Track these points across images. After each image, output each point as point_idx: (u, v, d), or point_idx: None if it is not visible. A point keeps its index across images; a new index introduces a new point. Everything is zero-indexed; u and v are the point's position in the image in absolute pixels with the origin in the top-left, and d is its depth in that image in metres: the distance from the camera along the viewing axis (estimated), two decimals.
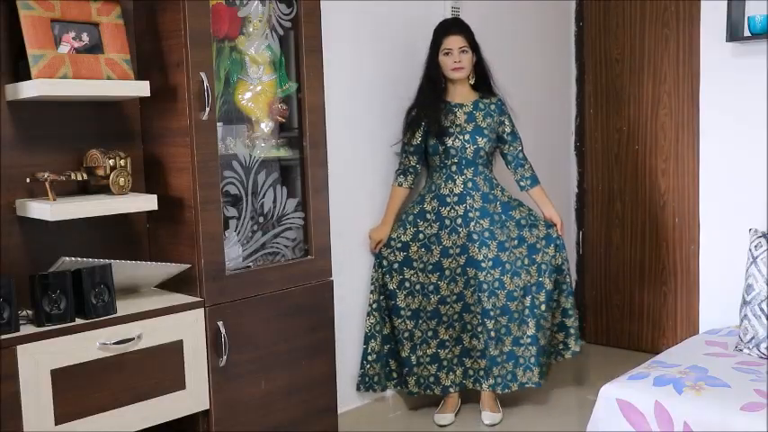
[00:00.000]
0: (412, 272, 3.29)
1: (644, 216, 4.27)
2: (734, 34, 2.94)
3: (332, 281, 2.64)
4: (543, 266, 3.33)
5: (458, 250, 3.29)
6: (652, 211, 4.23)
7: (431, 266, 3.30)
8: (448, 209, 3.29)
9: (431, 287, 3.30)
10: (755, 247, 2.73)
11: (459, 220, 3.29)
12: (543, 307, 3.30)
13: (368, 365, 3.28)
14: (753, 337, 2.65)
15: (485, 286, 3.27)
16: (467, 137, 3.27)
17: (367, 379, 3.29)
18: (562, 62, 4.47)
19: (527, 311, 3.29)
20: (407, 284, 3.29)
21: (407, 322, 3.28)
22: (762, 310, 2.65)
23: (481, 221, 3.28)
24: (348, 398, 3.31)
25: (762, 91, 2.95)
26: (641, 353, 4.19)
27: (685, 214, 4.10)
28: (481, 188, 3.30)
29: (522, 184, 3.43)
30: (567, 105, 4.52)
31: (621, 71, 4.30)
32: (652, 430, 2.34)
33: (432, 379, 3.33)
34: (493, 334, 3.27)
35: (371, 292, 3.32)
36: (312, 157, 2.57)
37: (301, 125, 2.58)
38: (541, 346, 3.31)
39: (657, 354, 2.90)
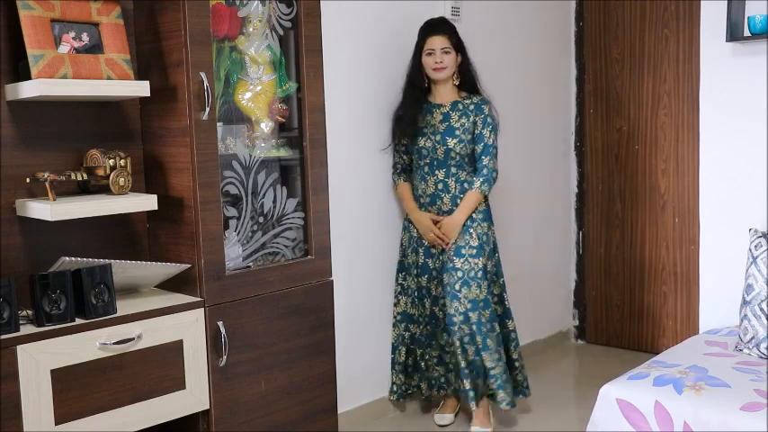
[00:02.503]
0: (410, 278, 3.35)
1: (644, 216, 4.27)
2: (734, 34, 2.95)
3: (332, 281, 2.64)
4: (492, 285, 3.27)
5: (440, 249, 3.27)
6: (652, 211, 4.23)
7: (418, 270, 3.32)
8: (423, 210, 3.28)
9: (423, 291, 3.32)
10: (755, 247, 2.73)
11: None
12: (489, 326, 3.16)
13: (395, 375, 3.39)
14: (753, 337, 2.65)
15: (448, 288, 3.19)
16: (438, 137, 3.21)
17: (395, 387, 3.39)
18: (562, 62, 4.47)
19: (474, 327, 3.13)
20: (408, 291, 3.36)
21: (419, 327, 3.37)
22: (762, 310, 2.65)
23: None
24: (348, 398, 3.32)
25: (762, 91, 2.95)
26: (641, 353, 4.19)
27: (685, 214, 4.10)
28: (451, 191, 3.22)
29: (466, 185, 3.22)
30: (567, 105, 4.52)
31: (621, 71, 4.30)
32: (652, 430, 2.34)
33: (443, 380, 3.37)
34: (457, 342, 3.17)
35: (395, 305, 3.40)
36: (312, 157, 2.57)
37: (301, 125, 2.58)
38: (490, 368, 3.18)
39: (657, 354, 2.91)
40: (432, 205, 3.25)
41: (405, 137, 3.28)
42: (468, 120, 3.23)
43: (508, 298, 3.37)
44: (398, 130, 3.29)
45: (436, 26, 3.24)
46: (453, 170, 3.23)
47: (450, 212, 3.22)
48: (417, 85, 3.25)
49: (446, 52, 3.19)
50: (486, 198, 3.26)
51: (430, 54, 3.20)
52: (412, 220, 3.30)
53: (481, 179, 3.19)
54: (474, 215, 3.21)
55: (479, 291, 3.15)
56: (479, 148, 3.22)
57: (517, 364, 3.35)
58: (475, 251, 3.18)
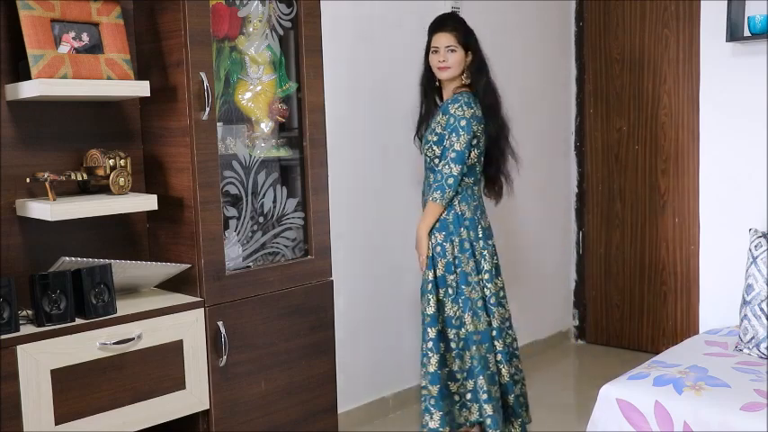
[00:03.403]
0: None
1: (644, 216, 4.27)
2: (734, 34, 2.95)
3: (332, 281, 2.64)
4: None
5: None
6: (652, 212, 4.23)
7: None
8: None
9: None
10: (755, 247, 2.73)
11: None
12: (430, 344, 2.96)
13: None
14: (753, 337, 2.65)
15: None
16: (423, 140, 3.12)
17: None
18: (562, 62, 4.48)
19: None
20: None
21: None
22: (762, 310, 2.65)
23: None
24: (348, 398, 3.32)
25: (762, 91, 2.95)
26: (641, 353, 4.19)
27: (685, 214, 4.10)
28: (425, 194, 3.07)
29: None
30: (567, 105, 4.52)
31: (621, 71, 4.30)
32: (652, 430, 2.34)
33: None
34: None
35: None
36: (312, 157, 2.57)
37: (301, 125, 2.58)
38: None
39: (657, 354, 2.91)
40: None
41: (415, 138, 3.20)
42: (436, 120, 3.03)
43: (493, 319, 3.01)
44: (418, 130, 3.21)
45: (442, 23, 3.08)
46: (428, 173, 3.09)
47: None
48: (429, 85, 3.14)
49: (451, 50, 3.00)
50: (449, 206, 2.98)
51: (435, 52, 3.04)
52: None
53: (434, 185, 2.95)
54: (431, 234, 3.00)
55: (427, 305, 2.98)
56: (438, 149, 2.99)
57: (484, 395, 2.93)
58: (429, 263, 3.01)
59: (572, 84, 4.51)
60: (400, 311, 3.51)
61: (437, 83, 3.12)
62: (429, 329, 2.96)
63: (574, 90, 4.51)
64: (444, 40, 3.03)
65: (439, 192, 2.94)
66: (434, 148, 3.01)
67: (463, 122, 2.93)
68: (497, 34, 3.94)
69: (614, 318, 4.44)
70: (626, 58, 4.27)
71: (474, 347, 2.95)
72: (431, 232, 3.00)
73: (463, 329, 2.97)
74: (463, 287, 2.97)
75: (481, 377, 2.94)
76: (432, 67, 3.08)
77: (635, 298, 4.34)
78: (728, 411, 2.21)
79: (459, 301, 2.97)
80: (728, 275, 3.05)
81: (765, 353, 2.61)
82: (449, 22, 3.09)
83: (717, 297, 3.12)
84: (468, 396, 3.00)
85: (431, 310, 2.97)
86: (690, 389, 2.34)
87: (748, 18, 2.90)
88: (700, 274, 3.22)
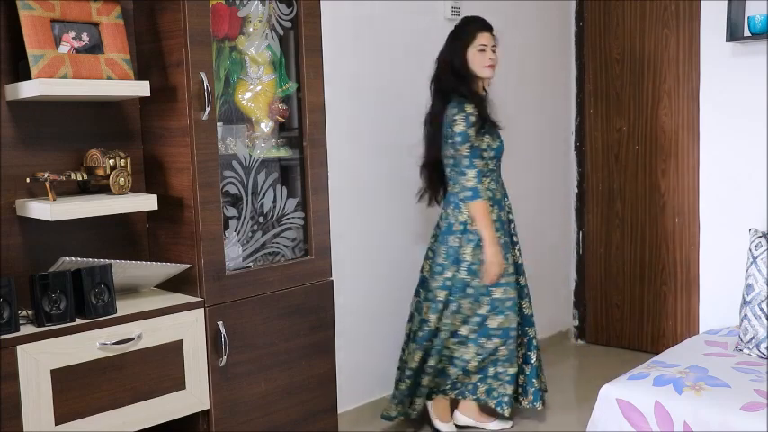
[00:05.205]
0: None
1: (644, 216, 4.27)
2: (734, 34, 2.95)
3: (332, 281, 2.64)
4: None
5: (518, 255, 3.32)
6: (652, 211, 4.23)
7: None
8: (505, 213, 3.23)
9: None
10: (755, 247, 2.73)
11: (506, 225, 3.22)
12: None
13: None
14: (753, 337, 2.65)
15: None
16: (502, 137, 3.19)
17: None
18: (562, 62, 4.48)
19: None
20: None
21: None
22: (762, 310, 2.65)
23: (511, 226, 3.28)
24: (348, 398, 3.32)
25: (762, 91, 2.95)
26: (641, 353, 4.19)
27: (685, 214, 4.10)
28: (498, 195, 3.20)
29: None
30: (567, 105, 4.52)
31: (621, 71, 4.30)
32: (652, 430, 2.34)
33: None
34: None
35: None
36: (312, 157, 2.57)
37: (301, 125, 2.58)
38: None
39: (657, 354, 2.90)
40: (501, 210, 3.16)
41: (490, 135, 3.09)
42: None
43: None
44: (478, 129, 3.06)
45: (486, 23, 3.13)
46: (500, 170, 3.24)
47: (508, 222, 3.22)
48: (468, 81, 3.09)
49: (494, 50, 3.13)
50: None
51: (482, 50, 3.08)
52: (492, 248, 3.05)
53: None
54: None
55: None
56: None
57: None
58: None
59: (572, 84, 4.51)
60: (400, 311, 3.50)
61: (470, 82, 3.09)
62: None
63: (574, 90, 4.51)
64: (490, 39, 3.11)
65: None
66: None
67: None
68: (497, 34, 3.94)
69: (614, 318, 4.44)
70: (626, 58, 4.27)
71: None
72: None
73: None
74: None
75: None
76: (475, 64, 3.09)
77: (635, 298, 4.34)
78: (728, 411, 2.21)
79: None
80: (728, 275, 3.05)
81: (765, 353, 2.61)
82: (489, 24, 3.14)
83: (717, 297, 3.12)
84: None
85: None
86: (690, 389, 2.34)
87: (748, 18, 2.90)
88: (700, 274, 3.22)
